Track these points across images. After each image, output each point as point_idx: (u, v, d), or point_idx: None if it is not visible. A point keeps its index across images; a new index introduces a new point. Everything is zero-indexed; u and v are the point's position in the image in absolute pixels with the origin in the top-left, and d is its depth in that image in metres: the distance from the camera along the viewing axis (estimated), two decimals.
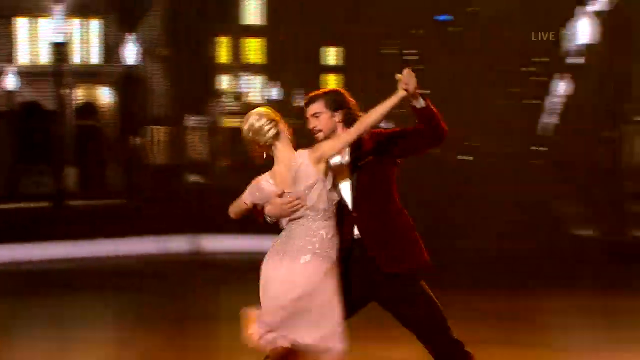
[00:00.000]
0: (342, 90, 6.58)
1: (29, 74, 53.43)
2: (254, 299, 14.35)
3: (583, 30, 38.11)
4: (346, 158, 6.36)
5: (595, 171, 31.16)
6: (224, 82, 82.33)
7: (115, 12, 56.55)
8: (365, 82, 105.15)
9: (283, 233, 6.46)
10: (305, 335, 6.17)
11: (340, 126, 6.39)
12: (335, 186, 6.25)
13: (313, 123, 6.46)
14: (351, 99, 6.49)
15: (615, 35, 23.81)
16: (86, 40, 56.83)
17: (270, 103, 73.88)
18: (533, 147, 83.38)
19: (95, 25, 56.85)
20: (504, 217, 18.94)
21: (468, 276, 15.69)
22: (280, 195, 6.23)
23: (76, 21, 54.70)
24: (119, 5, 56.80)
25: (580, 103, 57.24)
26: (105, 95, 57.44)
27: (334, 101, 6.45)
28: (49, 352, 10.39)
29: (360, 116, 6.28)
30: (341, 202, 6.31)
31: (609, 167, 21.97)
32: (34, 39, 55.16)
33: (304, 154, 6.17)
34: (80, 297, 14.15)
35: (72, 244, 18.90)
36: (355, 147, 6.35)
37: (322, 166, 6.14)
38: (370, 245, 6.30)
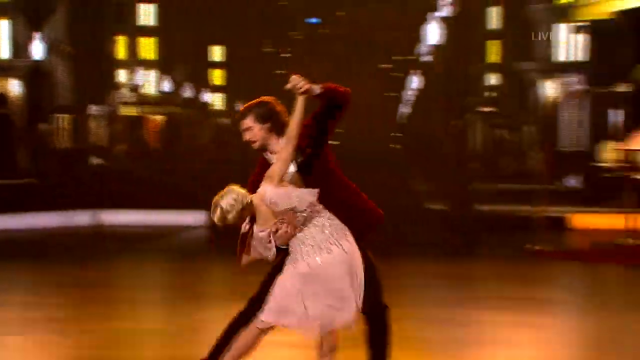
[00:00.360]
0: (270, 100, 6.40)
1: None
2: (146, 265, 14.46)
3: (433, 34, 38.97)
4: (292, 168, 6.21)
5: (444, 154, 31.82)
6: (122, 76, 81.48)
7: (23, 13, 55.65)
8: (247, 76, 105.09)
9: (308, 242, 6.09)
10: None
11: (272, 135, 6.31)
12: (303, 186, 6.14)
13: (247, 136, 6.35)
14: (278, 106, 6.36)
15: (460, 39, 24.33)
16: None
17: (162, 94, 73.44)
18: (392, 134, 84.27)
19: (5, 25, 55.83)
20: (368, 193, 19.24)
21: None
22: (275, 230, 5.94)
23: None
24: (26, 7, 55.88)
25: (431, 96, 58.25)
26: (15, 87, 56.51)
27: (262, 114, 6.32)
28: None
29: (288, 119, 6.17)
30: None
31: (455, 151, 22.46)
32: None
33: (263, 190, 5.99)
34: (1, 265, 14.08)
35: None
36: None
37: (284, 182, 6.03)
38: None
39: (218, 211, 5.88)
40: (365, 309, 6.26)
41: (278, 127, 6.30)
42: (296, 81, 6.07)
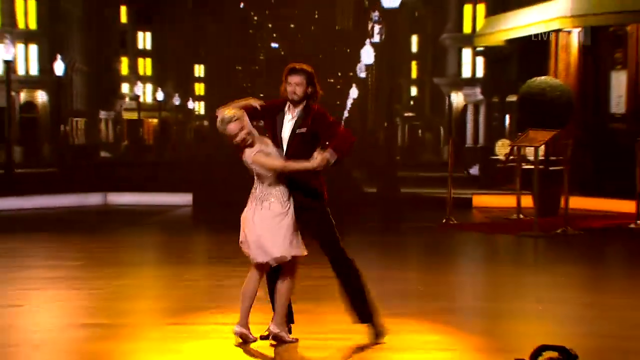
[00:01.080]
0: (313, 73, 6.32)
1: None
2: (144, 236, 14.35)
3: (368, 55, 39.12)
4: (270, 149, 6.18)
5: (377, 149, 31.94)
6: (125, 88, 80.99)
7: (47, 39, 55.11)
8: (222, 89, 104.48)
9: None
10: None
11: (308, 97, 6.23)
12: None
13: (298, 89, 6.20)
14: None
15: (389, 59, 24.37)
16: (28, 59, 55.27)
17: (157, 102, 72.94)
18: None
19: (34, 48, 55.30)
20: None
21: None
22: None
23: (21, 46, 53.11)
24: (50, 34, 55.31)
25: (366, 104, 58.40)
26: (41, 97, 55.99)
27: (311, 80, 6.26)
28: (7, 267, 10.30)
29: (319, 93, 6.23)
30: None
31: (385, 146, 22.57)
32: None
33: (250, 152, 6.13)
34: (28, 236, 13.93)
35: (19, 199, 18.46)
36: (301, 116, 6.23)
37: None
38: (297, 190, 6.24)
39: (219, 118, 6.12)
40: (333, 265, 6.28)
41: (313, 94, 6.29)
42: (322, 162, 6.00)
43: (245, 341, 6.31)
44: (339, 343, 6.45)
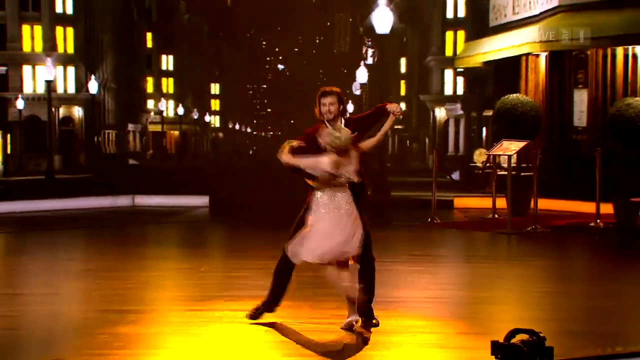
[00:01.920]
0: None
1: (31, 99, 52.17)
2: (166, 232, 14.36)
3: (362, 75, 39.18)
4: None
5: (370, 157, 31.94)
6: (150, 104, 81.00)
7: (82, 61, 55.17)
8: (235, 104, 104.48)
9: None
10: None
11: (339, 114, 6.26)
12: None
13: (331, 108, 6.21)
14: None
15: (380, 79, 24.38)
16: (66, 79, 55.37)
17: (178, 116, 72.97)
18: None
19: (71, 70, 55.39)
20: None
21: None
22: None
23: (60, 67, 53.21)
24: (84, 57, 55.37)
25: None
26: (77, 112, 56.03)
27: (342, 99, 6.29)
28: (47, 259, 10.30)
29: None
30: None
31: (377, 155, 22.54)
32: (34, 78, 54.00)
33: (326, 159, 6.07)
34: (66, 233, 13.93)
35: (59, 200, 18.47)
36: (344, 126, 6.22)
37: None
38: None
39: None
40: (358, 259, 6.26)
41: (344, 110, 6.33)
42: (397, 108, 6.18)
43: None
44: (335, 327, 6.45)
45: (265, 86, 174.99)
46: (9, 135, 46.12)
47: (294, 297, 6.82)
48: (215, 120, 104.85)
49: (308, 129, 6.36)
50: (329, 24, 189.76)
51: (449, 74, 52.99)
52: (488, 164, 16.71)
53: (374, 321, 6.35)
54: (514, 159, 15.31)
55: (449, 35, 52.68)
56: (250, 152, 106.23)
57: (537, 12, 21.74)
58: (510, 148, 14.64)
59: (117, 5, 66.75)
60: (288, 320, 6.58)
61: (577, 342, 6.07)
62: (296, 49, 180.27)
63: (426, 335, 6.33)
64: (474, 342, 6.07)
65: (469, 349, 5.92)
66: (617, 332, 6.57)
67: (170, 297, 8.18)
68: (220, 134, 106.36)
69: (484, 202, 17.24)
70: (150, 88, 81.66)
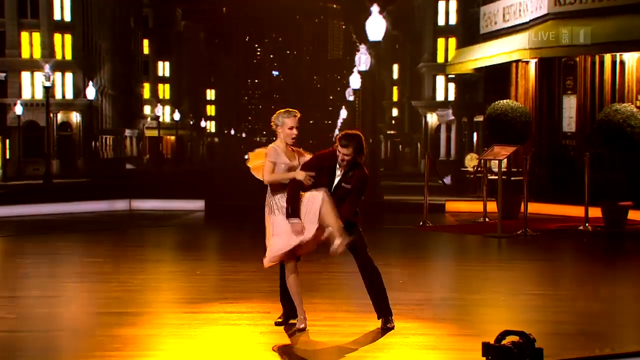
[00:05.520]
0: (362, 140, 6.24)
1: (29, 104, 52.11)
2: (162, 236, 14.31)
3: (356, 81, 39.13)
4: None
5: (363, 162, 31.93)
6: (147, 109, 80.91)
7: (80, 68, 55.04)
8: (230, 110, 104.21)
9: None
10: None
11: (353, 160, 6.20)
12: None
13: (346, 157, 6.16)
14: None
15: (373, 85, 24.43)
16: (64, 85, 55.25)
17: (174, 122, 72.93)
18: (330, 148, 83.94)
19: (69, 76, 55.27)
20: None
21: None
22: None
23: (58, 74, 53.14)
24: (82, 64, 55.25)
25: (354, 123, 58.47)
26: (75, 117, 55.91)
27: (359, 150, 6.21)
28: (46, 263, 10.28)
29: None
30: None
31: (370, 159, 22.58)
32: (33, 84, 53.91)
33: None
34: (65, 236, 13.89)
35: (57, 204, 18.43)
36: (348, 174, 6.22)
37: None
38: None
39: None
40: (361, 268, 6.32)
41: (360, 157, 6.25)
42: (339, 248, 6.07)
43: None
44: (330, 329, 6.46)
45: (259, 92, 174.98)
46: (7, 141, 45.99)
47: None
48: (211, 126, 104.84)
49: (324, 151, 6.35)
50: (322, 31, 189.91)
51: (440, 80, 53.09)
52: (479, 169, 16.75)
53: (389, 325, 6.39)
54: (504, 164, 15.34)
55: (441, 42, 52.79)
56: (246, 157, 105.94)
57: (527, 19, 21.83)
58: (500, 153, 14.68)
59: (114, 12, 66.70)
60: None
61: (567, 344, 6.09)
62: (287, 51, 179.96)
63: (418, 337, 6.33)
64: (465, 343, 6.07)
65: (460, 350, 5.92)
66: (606, 333, 6.59)
67: (167, 300, 8.17)
68: (216, 139, 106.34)
69: (475, 206, 17.27)
70: (147, 94, 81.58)
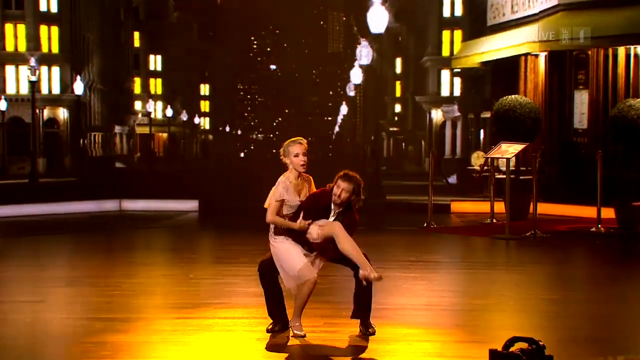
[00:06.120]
0: (359, 182, 6.33)
1: (14, 100, 52.16)
2: (154, 238, 14.31)
3: (357, 76, 39.25)
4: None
5: (364, 159, 31.97)
6: (138, 105, 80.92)
7: (68, 61, 55.10)
8: (226, 105, 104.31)
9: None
10: None
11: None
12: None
13: (343, 196, 6.23)
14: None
15: (375, 80, 24.44)
16: (51, 79, 55.30)
17: (166, 118, 72.91)
18: (330, 146, 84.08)
19: (56, 70, 55.30)
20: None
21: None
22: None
23: (44, 68, 53.15)
24: (70, 57, 55.30)
25: (355, 119, 58.50)
26: (62, 114, 55.95)
27: (357, 192, 6.29)
28: (31, 266, 10.28)
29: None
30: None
31: (372, 157, 22.58)
32: (18, 78, 53.95)
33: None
34: (51, 239, 13.90)
35: (43, 205, 18.44)
36: (339, 217, 6.32)
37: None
38: None
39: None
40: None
41: (356, 201, 6.33)
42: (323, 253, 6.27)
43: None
44: (330, 335, 6.46)
45: (256, 87, 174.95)
46: None
47: (287, 305, 6.81)
48: (205, 122, 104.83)
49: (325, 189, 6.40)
50: (322, 22, 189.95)
51: (445, 74, 53.09)
52: (486, 167, 16.75)
53: (370, 330, 6.36)
54: (512, 162, 15.35)
55: (446, 34, 52.78)
56: (242, 155, 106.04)
57: (536, 10, 21.82)
58: (508, 151, 14.68)
59: (103, 3, 66.70)
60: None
61: (578, 350, 6.09)
62: (285, 44, 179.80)
63: (423, 344, 6.33)
64: (472, 350, 6.07)
65: (466, 357, 5.93)
66: (619, 339, 6.59)
67: (159, 305, 8.17)
68: (210, 136, 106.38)
69: (482, 207, 17.28)
70: (137, 89, 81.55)
